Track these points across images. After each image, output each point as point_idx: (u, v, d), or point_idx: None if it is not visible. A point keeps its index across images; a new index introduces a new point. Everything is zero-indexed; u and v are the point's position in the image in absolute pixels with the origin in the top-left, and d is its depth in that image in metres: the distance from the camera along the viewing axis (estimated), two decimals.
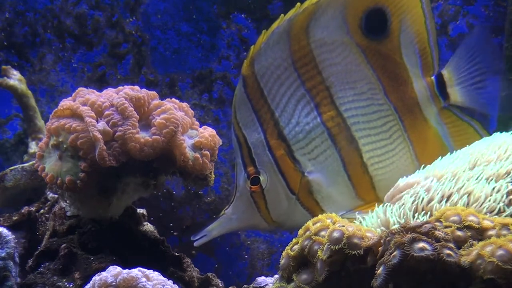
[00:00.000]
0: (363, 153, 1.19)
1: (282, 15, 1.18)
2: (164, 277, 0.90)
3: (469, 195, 0.84)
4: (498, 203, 0.81)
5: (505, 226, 0.68)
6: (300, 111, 1.19)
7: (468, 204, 0.83)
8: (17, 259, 1.12)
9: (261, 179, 1.18)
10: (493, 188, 0.83)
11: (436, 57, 1.20)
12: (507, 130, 1.01)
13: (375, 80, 1.20)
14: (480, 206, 0.81)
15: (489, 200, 0.81)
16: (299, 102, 1.19)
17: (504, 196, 0.81)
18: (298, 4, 1.18)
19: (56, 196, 1.29)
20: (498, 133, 1.00)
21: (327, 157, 1.19)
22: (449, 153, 1.00)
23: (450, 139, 1.21)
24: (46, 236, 1.20)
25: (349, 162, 1.19)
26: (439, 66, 1.21)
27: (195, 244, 1.19)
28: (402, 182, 0.95)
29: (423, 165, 0.99)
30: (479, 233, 0.68)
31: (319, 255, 0.75)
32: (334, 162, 1.19)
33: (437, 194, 0.87)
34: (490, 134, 1.19)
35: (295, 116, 1.19)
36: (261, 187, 1.18)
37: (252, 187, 1.18)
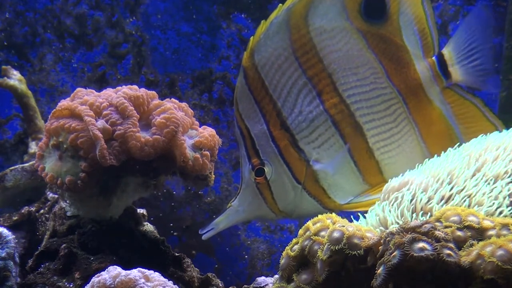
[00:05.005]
0: (368, 138, 1.19)
1: (280, 5, 1.18)
2: (164, 277, 0.90)
3: (469, 196, 0.84)
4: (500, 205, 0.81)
5: (505, 226, 0.68)
6: (303, 100, 1.18)
7: (469, 206, 0.83)
8: (17, 259, 1.12)
9: (265, 170, 1.18)
10: (492, 190, 0.83)
11: (435, 37, 1.20)
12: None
13: (377, 64, 1.20)
14: (481, 207, 0.81)
15: (492, 203, 0.81)
16: (301, 91, 1.18)
17: (507, 198, 0.81)
18: None
19: (56, 196, 1.29)
20: (497, 132, 1.00)
21: (332, 145, 1.18)
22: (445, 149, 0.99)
23: (455, 118, 1.20)
24: (46, 236, 1.20)
25: (355, 148, 1.19)
26: (439, 47, 1.21)
27: (203, 237, 1.19)
28: (396, 181, 0.95)
29: (417, 164, 0.98)
30: (479, 233, 0.68)
31: (319, 255, 0.75)
32: (339, 149, 1.19)
33: (437, 194, 0.87)
34: (493, 112, 1.19)
35: (297, 105, 1.18)
36: (266, 178, 1.18)
37: (257, 178, 1.18)
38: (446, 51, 1.19)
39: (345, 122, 1.18)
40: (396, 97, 1.20)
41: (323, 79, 1.18)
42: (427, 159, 0.97)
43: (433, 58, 1.20)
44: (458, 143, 0.98)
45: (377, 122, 1.20)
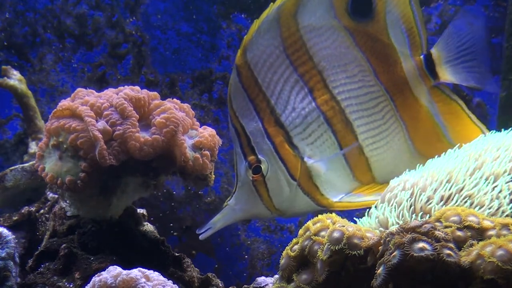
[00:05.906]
0: (358, 134, 1.20)
1: (272, 3, 1.19)
2: (164, 277, 0.90)
3: (469, 196, 0.84)
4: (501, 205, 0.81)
5: (505, 226, 0.68)
6: (295, 97, 1.19)
7: (470, 206, 0.83)
8: (17, 259, 1.12)
9: (262, 167, 1.18)
10: (493, 189, 0.83)
11: (424, 36, 1.21)
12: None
13: (365, 62, 1.21)
14: (483, 208, 0.81)
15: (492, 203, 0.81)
16: (293, 88, 1.19)
17: (507, 197, 0.81)
18: None
19: (56, 196, 1.29)
20: (497, 132, 1.00)
21: (324, 141, 1.20)
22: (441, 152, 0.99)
23: (441, 117, 1.21)
24: (46, 236, 1.20)
25: (345, 144, 1.20)
26: (427, 45, 1.22)
27: (201, 237, 1.19)
28: (395, 182, 0.95)
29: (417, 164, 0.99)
30: (479, 233, 0.68)
31: (319, 255, 0.75)
32: (331, 146, 1.20)
33: (436, 194, 0.87)
34: (476, 115, 1.20)
35: (290, 102, 1.19)
36: (263, 176, 1.19)
37: (254, 176, 1.19)
38: (435, 51, 1.20)
39: (336, 119, 1.19)
40: (383, 94, 1.21)
41: (314, 76, 1.20)
42: (428, 160, 0.97)
43: (421, 57, 1.21)
44: (454, 145, 0.98)
45: (366, 119, 1.21)
